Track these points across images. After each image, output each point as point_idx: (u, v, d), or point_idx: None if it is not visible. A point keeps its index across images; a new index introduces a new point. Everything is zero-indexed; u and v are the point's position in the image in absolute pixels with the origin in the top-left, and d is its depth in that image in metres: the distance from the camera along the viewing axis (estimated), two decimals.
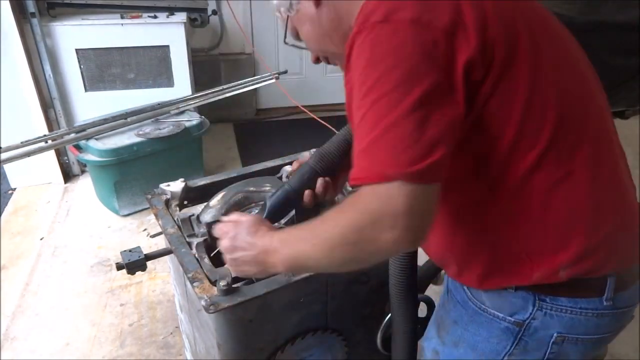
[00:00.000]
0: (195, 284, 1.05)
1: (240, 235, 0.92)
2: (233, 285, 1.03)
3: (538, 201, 0.80)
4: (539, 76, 0.77)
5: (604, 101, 0.88)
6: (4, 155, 2.42)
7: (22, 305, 2.20)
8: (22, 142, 2.49)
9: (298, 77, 4.13)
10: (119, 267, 1.17)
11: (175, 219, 1.27)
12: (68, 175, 3.19)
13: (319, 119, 3.39)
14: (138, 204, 2.82)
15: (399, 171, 0.68)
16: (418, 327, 1.21)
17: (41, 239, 2.63)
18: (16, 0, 2.67)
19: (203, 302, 1.00)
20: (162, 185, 1.38)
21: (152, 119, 2.83)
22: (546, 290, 0.85)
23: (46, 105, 2.97)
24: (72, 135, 2.66)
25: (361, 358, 1.35)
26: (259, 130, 3.96)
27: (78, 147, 2.65)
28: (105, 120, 2.71)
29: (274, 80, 3.25)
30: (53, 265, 2.45)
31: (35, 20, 2.71)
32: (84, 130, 2.66)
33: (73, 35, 2.87)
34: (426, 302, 1.33)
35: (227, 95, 3.10)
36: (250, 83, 3.22)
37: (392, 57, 0.71)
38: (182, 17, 3.04)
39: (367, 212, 0.72)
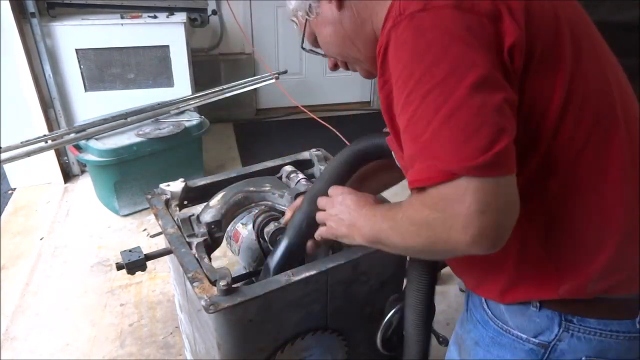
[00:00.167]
0: (195, 284, 1.05)
1: (345, 199, 0.92)
2: (233, 285, 1.03)
3: (572, 203, 0.75)
4: (579, 72, 0.73)
5: (636, 104, 0.84)
6: (4, 155, 2.42)
7: (22, 305, 2.20)
8: (22, 142, 2.49)
9: (298, 77, 4.13)
10: (119, 267, 1.17)
11: (175, 219, 1.27)
12: (68, 175, 3.19)
13: (318, 119, 3.39)
14: (138, 204, 2.82)
15: (463, 165, 0.62)
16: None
17: (41, 239, 2.63)
18: (16, 0, 2.67)
19: (203, 302, 1.00)
20: (162, 185, 1.38)
21: (152, 119, 2.83)
22: (573, 310, 0.80)
23: (46, 105, 2.97)
24: (72, 135, 2.66)
25: (361, 358, 1.35)
26: (259, 130, 3.97)
27: (78, 147, 2.65)
28: (105, 120, 2.71)
29: (273, 80, 3.25)
30: (53, 265, 2.45)
31: (35, 20, 2.72)
32: (84, 130, 2.66)
33: (73, 35, 2.87)
34: None
35: (227, 95, 3.11)
36: (250, 83, 3.22)
37: (438, 44, 0.66)
38: (182, 17, 3.05)
39: (437, 212, 0.66)
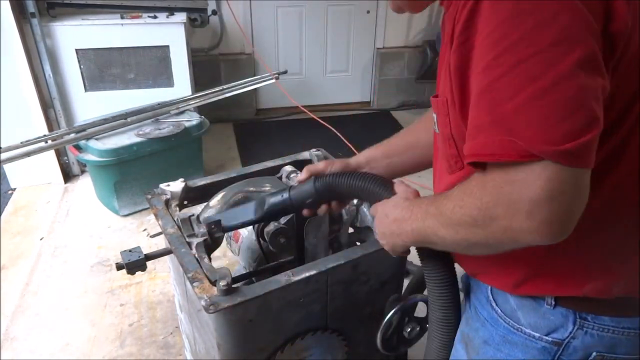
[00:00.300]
0: (195, 284, 1.05)
1: (386, 209, 0.87)
2: (233, 286, 1.03)
3: (621, 202, 0.72)
4: None
5: None
6: (4, 155, 2.42)
7: (22, 305, 2.20)
8: (22, 142, 2.49)
9: (298, 77, 4.13)
10: (119, 267, 1.17)
11: (175, 219, 1.27)
12: (68, 175, 3.19)
13: (318, 119, 3.39)
14: (138, 204, 2.82)
15: (549, 149, 0.56)
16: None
17: (41, 239, 2.64)
18: (16, 0, 2.67)
19: (203, 302, 1.00)
20: (162, 185, 1.38)
21: (152, 119, 2.83)
22: (590, 308, 0.78)
23: (46, 105, 2.97)
24: (72, 135, 2.66)
25: (361, 358, 1.35)
26: (258, 130, 3.97)
27: (78, 147, 2.65)
28: (105, 120, 2.71)
29: (273, 81, 3.25)
30: (53, 265, 2.45)
31: (35, 20, 2.72)
32: (84, 130, 2.66)
33: (73, 35, 2.87)
34: (427, 303, 1.32)
35: (227, 95, 3.11)
36: (250, 83, 3.22)
37: (546, 7, 0.58)
38: (182, 17, 3.05)
39: (500, 195, 0.61)
